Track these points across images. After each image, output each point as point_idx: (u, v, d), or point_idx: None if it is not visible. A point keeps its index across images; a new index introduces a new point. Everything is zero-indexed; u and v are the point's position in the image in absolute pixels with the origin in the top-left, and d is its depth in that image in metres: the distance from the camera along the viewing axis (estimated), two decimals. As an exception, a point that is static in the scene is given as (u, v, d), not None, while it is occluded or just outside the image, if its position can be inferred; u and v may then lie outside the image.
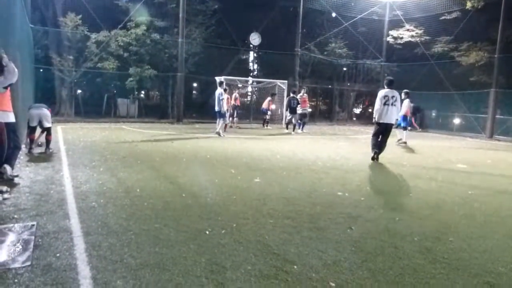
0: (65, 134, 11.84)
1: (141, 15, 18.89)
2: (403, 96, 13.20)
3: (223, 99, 13.52)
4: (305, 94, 17.21)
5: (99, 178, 6.08)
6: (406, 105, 13.32)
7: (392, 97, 8.76)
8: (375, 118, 8.95)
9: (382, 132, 8.94)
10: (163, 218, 4.26)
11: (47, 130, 8.41)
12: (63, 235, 3.63)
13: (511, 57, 17.63)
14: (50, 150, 8.33)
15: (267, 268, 3.15)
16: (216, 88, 14.06)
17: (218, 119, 13.80)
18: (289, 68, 22.33)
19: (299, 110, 16.82)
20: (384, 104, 8.75)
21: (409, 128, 20.69)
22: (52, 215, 4.17)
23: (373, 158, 9.02)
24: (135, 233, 3.78)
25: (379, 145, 9.02)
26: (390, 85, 8.99)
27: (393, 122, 8.95)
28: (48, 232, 3.67)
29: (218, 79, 15.23)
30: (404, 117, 13.24)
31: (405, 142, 13.21)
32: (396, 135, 13.39)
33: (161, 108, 21.71)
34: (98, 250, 3.33)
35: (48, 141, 8.40)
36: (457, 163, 9.51)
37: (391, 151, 11.30)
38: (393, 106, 8.77)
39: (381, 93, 8.95)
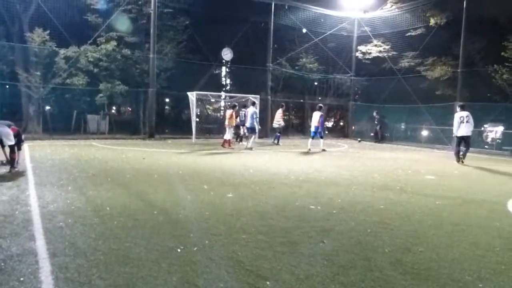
0: (32, 152, 11.43)
1: (122, 24, 18.64)
2: (317, 109, 15.54)
3: (257, 117, 14.72)
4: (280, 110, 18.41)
5: (67, 197, 5.90)
6: (317, 118, 14.86)
7: (466, 116, 11.55)
8: (455, 133, 11.81)
9: (461, 142, 11.84)
10: (134, 237, 4.17)
11: (11, 148, 8.02)
12: (28, 257, 3.49)
13: (473, 71, 18.49)
14: (15, 169, 8.01)
15: (240, 285, 3.12)
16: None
17: (249, 135, 14.75)
18: (261, 82, 22.51)
19: (274, 125, 18.14)
20: (460, 122, 11.55)
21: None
22: (16, 237, 4.01)
23: (458, 161, 11.90)
24: (104, 253, 3.68)
25: (464, 151, 11.95)
26: (463, 108, 11.89)
27: (466, 134, 11.55)
28: (11, 255, 3.52)
29: (251, 99, 16.76)
30: (317, 128, 14.94)
31: (323, 149, 14.74)
32: (312, 144, 14.88)
33: (133, 124, 21.35)
34: (65, 272, 3.22)
35: (12, 160, 8.02)
36: (425, 174, 9.79)
37: (362, 163, 11.53)
38: (467, 123, 11.50)
39: (457, 115, 11.82)
